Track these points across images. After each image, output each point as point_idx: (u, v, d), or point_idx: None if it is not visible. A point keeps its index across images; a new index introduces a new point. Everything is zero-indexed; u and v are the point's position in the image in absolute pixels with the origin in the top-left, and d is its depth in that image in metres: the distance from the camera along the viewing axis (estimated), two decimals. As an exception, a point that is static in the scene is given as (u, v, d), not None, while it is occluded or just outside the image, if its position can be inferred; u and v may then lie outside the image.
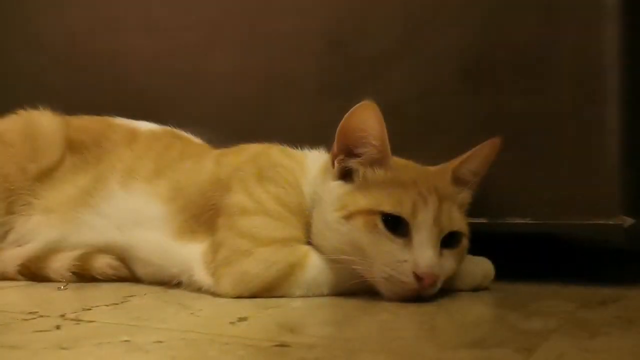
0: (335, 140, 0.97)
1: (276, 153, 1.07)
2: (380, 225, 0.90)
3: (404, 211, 0.90)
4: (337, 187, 0.97)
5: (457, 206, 0.96)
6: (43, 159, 1.18)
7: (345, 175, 0.97)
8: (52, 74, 1.56)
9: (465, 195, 0.99)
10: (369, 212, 0.91)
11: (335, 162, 0.98)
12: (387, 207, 0.91)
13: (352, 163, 0.96)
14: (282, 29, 1.28)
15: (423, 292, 0.89)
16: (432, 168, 1.00)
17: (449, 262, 0.93)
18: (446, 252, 0.92)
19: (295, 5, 1.26)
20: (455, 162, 0.99)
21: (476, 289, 0.99)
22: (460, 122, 1.11)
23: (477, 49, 1.10)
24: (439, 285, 0.90)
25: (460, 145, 1.01)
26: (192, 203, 1.05)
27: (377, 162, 0.95)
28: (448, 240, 0.93)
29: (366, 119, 0.93)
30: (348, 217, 0.93)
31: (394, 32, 1.16)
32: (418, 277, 0.87)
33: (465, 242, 0.96)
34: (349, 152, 0.97)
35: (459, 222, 0.95)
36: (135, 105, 1.39)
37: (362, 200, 0.93)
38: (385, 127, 0.93)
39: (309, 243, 0.98)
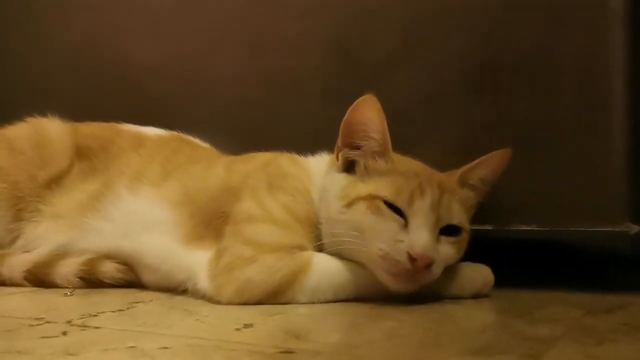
0: (340, 134, 1.00)
1: (285, 162, 1.08)
2: (383, 206, 0.92)
3: (399, 200, 0.92)
4: (340, 179, 0.99)
5: (460, 202, 0.97)
6: (52, 166, 1.19)
7: (349, 168, 1.00)
8: (58, 79, 1.57)
9: (470, 195, 1.00)
10: (370, 197, 0.94)
11: (340, 155, 1.00)
12: (385, 193, 0.93)
13: (354, 155, 0.99)
14: (287, 34, 1.28)
15: (419, 277, 0.89)
16: (443, 173, 1.01)
17: (446, 248, 0.94)
18: (444, 239, 0.94)
19: (299, 10, 1.27)
20: (465, 168, 1.00)
21: (476, 296, 0.99)
22: (465, 127, 1.11)
23: (481, 53, 1.10)
24: (436, 271, 0.91)
25: (465, 150, 1.02)
26: (201, 209, 1.05)
27: (378, 154, 0.98)
28: (447, 231, 0.94)
29: (366, 112, 0.96)
30: (349, 204, 0.95)
31: (398, 36, 1.17)
32: (412, 259, 0.88)
33: (465, 236, 0.97)
34: (351, 145, 0.99)
35: (458, 215, 0.95)
36: (140, 109, 1.40)
37: (363, 188, 0.96)
38: (385, 121, 0.96)
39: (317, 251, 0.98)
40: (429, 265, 0.89)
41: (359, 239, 0.92)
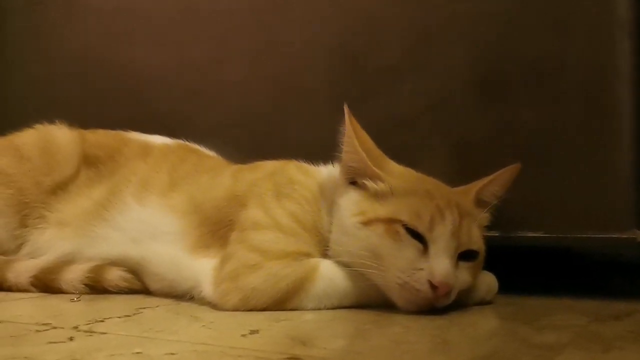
0: None
1: (293, 170, 1.07)
2: (402, 231, 0.90)
3: (420, 225, 0.90)
4: (352, 193, 0.97)
5: (477, 225, 0.96)
6: (58, 172, 1.19)
7: (355, 181, 0.98)
8: (65, 86, 1.58)
9: (485, 216, 1.00)
10: (390, 221, 0.92)
11: (344, 168, 0.99)
12: (405, 218, 0.91)
13: (352, 172, 0.98)
14: (293, 41, 1.28)
15: (437, 302, 0.89)
16: (455, 188, 1.01)
17: (463, 274, 0.93)
18: (462, 264, 0.93)
19: (305, 17, 1.27)
20: (479, 184, 1.00)
21: (480, 303, 0.99)
22: (470, 135, 1.11)
23: (488, 61, 1.10)
24: (452, 296, 0.90)
25: (470, 158, 1.01)
26: (208, 219, 1.05)
27: (367, 175, 0.96)
28: (465, 256, 0.93)
29: (346, 132, 0.96)
30: (367, 223, 0.93)
31: (405, 44, 1.17)
32: (433, 286, 0.87)
33: (481, 259, 0.96)
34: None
35: (477, 240, 0.95)
36: (146, 117, 1.40)
37: (381, 209, 0.93)
38: (360, 142, 0.95)
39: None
40: (448, 292, 0.89)
41: (374, 262, 0.91)
